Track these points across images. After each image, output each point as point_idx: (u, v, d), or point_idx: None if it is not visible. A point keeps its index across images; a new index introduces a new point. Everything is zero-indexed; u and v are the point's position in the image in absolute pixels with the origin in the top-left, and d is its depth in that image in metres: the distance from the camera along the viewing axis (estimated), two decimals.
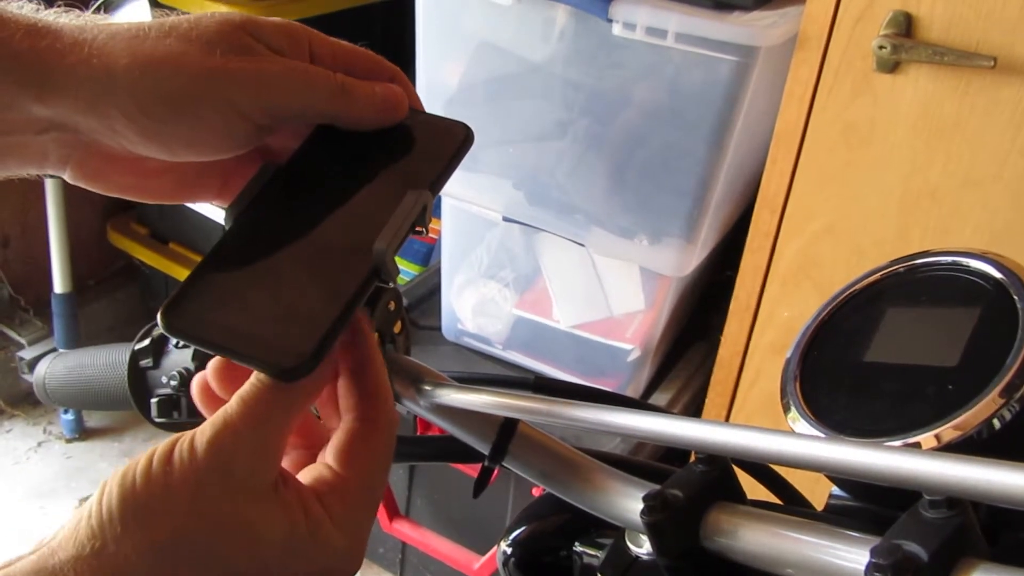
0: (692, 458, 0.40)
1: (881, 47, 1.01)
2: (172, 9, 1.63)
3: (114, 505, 0.33)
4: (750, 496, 0.41)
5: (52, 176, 0.42)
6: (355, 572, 0.37)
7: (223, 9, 1.59)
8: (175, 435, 0.35)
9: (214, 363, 0.41)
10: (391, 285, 0.41)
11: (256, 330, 0.37)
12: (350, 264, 0.39)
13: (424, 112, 0.45)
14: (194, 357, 0.56)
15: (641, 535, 0.43)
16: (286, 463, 0.41)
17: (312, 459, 0.40)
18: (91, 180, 0.41)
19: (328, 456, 0.38)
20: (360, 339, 0.39)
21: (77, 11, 0.40)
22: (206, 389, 0.41)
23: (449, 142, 0.43)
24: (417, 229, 0.40)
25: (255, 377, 0.36)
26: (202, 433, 0.35)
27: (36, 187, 1.92)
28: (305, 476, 0.37)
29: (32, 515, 1.84)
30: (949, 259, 0.42)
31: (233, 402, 0.36)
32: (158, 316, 0.38)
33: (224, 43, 0.38)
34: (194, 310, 0.38)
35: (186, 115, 0.38)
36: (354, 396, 0.39)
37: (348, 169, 0.42)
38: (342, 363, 0.39)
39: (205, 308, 0.38)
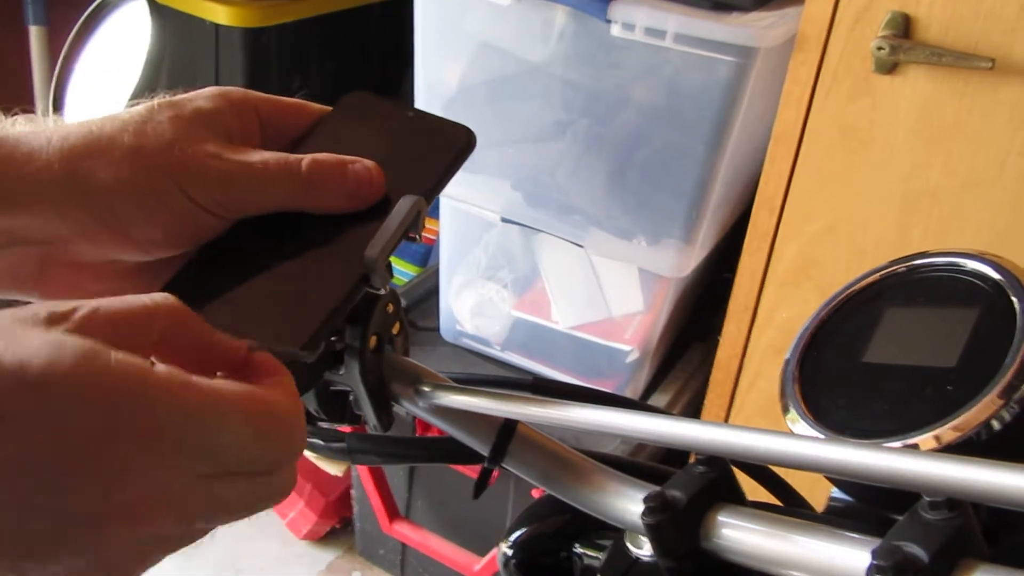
0: (691, 459, 0.40)
1: (879, 48, 1.01)
2: (169, 10, 1.63)
3: None
4: (750, 497, 0.41)
5: (17, 301, 0.40)
6: None
7: (221, 10, 1.60)
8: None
9: None
10: (382, 292, 0.40)
11: (245, 329, 0.37)
12: (341, 269, 0.38)
13: (428, 113, 0.44)
14: None
15: (641, 536, 0.43)
16: None
17: None
18: (63, 294, 0.40)
19: None
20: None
21: (25, 116, 0.39)
22: None
23: (450, 146, 0.43)
24: (409, 235, 0.40)
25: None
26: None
27: None
28: None
29: None
30: (947, 260, 0.42)
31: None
32: None
33: (180, 141, 0.38)
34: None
35: (153, 211, 0.38)
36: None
37: None
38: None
39: (196, 305, 0.38)
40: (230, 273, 0.39)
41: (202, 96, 0.40)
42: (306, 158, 0.40)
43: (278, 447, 0.33)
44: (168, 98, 0.40)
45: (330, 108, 0.45)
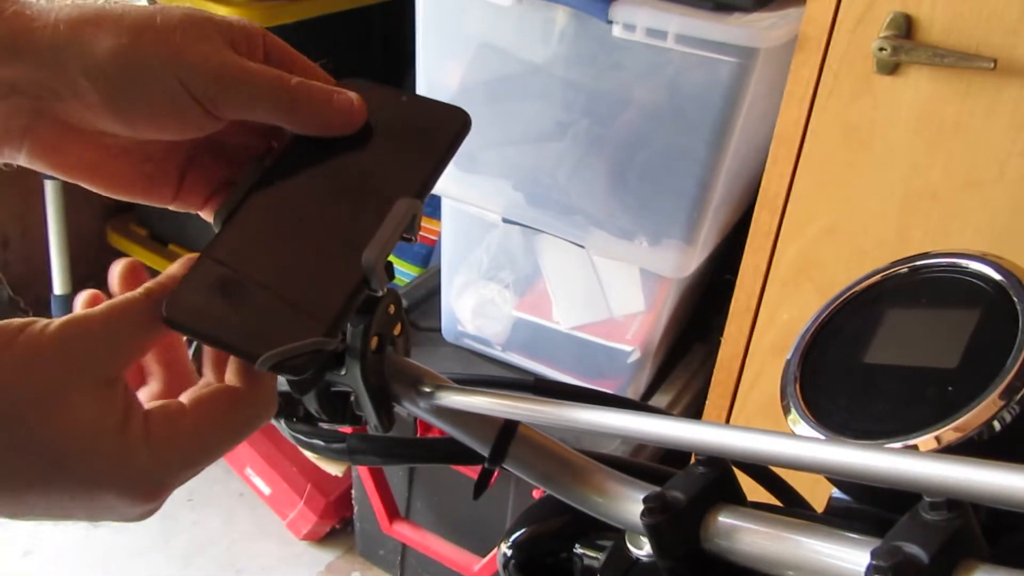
0: (692, 460, 0.40)
1: (881, 49, 1.01)
2: None
3: None
4: (750, 498, 0.41)
5: (9, 164, 0.42)
6: (146, 510, 0.37)
7: (223, 10, 1.60)
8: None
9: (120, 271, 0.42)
10: (380, 294, 0.41)
11: (254, 329, 0.38)
12: (341, 272, 0.39)
13: (423, 97, 0.44)
14: (192, 358, 0.55)
15: (641, 537, 0.43)
16: (144, 394, 0.42)
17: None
18: (49, 155, 0.41)
19: (184, 395, 0.39)
20: None
21: None
22: (95, 299, 0.41)
23: (444, 131, 0.43)
24: (405, 236, 0.40)
25: (131, 293, 0.38)
26: (59, 319, 0.35)
27: (36, 188, 1.92)
28: (150, 403, 0.38)
29: None
30: (949, 260, 0.42)
31: (103, 304, 0.37)
32: (163, 309, 0.38)
33: (184, 29, 0.40)
34: (194, 306, 0.38)
35: (144, 86, 0.39)
36: (244, 367, 0.39)
37: (340, 165, 0.42)
38: None
39: (204, 304, 0.38)
40: (236, 273, 0.39)
41: (221, 14, 0.42)
42: (296, 78, 0.42)
43: None
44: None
45: (335, 81, 0.45)
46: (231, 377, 0.39)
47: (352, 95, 0.43)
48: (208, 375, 0.41)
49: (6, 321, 0.35)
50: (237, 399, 0.39)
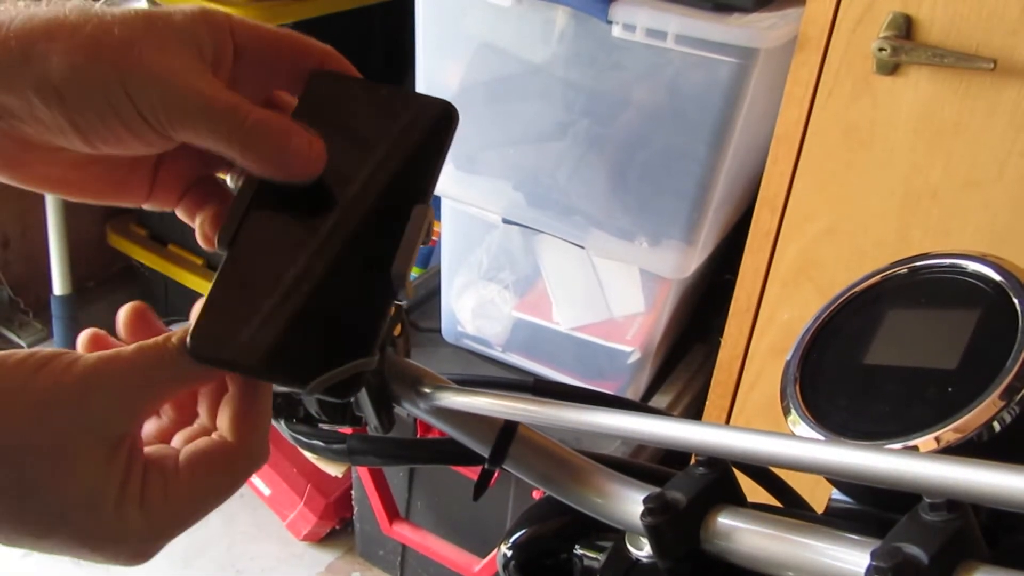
0: (692, 461, 0.40)
1: (881, 49, 1.01)
2: None
3: None
4: (750, 499, 0.41)
5: None
6: (135, 564, 0.37)
7: (217, 8, 1.60)
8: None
9: (128, 316, 0.42)
10: (404, 304, 0.41)
11: (292, 355, 0.37)
12: (368, 287, 0.38)
13: (402, 90, 0.43)
14: None
15: (641, 538, 0.43)
16: (151, 424, 0.42)
17: (171, 438, 0.41)
18: (13, 170, 0.40)
19: (183, 450, 0.38)
20: (257, 387, 0.39)
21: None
22: (97, 339, 0.41)
23: (436, 128, 0.41)
24: (422, 242, 0.40)
25: (160, 338, 0.37)
26: (87, 358, 0.35)
27: None
28: (152, 448, 0.38)
29: None
30: (949, 261, 0.42)
31: (132, 346, 0.36)
32: (186, 345, 0.37)
33: (144, 42, 0.37)
34: (220, 336, 0.37)
35: (97, 105, 0.37)
36: (236, 420, 0.38)
37: (340, 172, 0.41)
38: (235, 386, 0.39)
39: (231, 333, 0.37)
40: (254, 299, 0.38)
41: (182, 11, 0.39)
42: (255, 113, 0.38)
43: None
44: (148, 7, 0.39)
45: (311, 40, 0.43)
46: (224, 428, 0.38)
47: (312, 139, 0.39)
48: (202, 416, 0.40)
49: (34, 351, 0.35)
50: (231, 456, 0.38)
